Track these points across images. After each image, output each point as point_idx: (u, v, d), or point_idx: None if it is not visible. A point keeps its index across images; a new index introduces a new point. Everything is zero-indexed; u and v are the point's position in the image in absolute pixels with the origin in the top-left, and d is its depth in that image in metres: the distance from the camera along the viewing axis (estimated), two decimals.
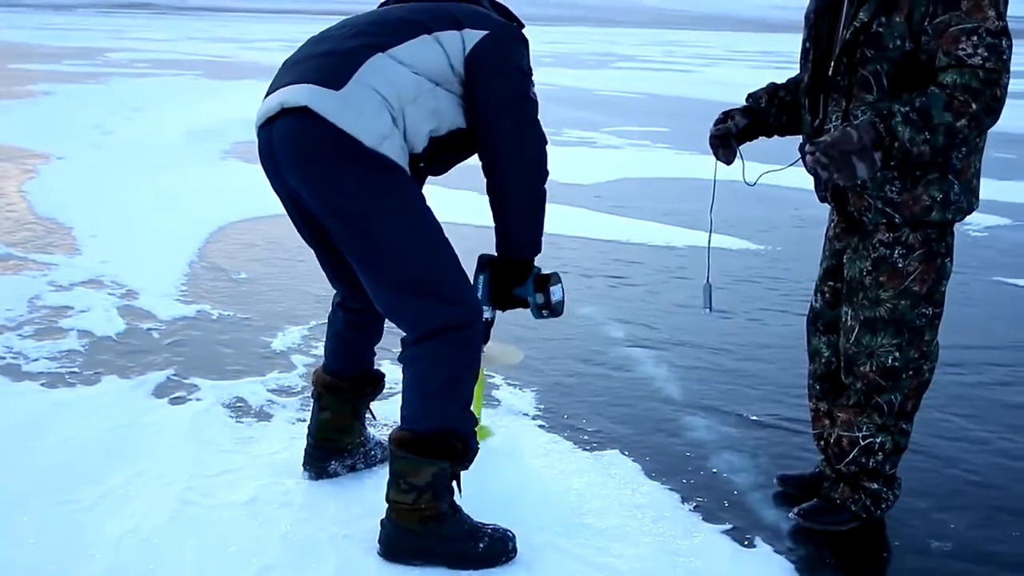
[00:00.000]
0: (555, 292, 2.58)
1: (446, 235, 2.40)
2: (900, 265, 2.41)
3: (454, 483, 2.43)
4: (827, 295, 2.66)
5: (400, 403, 2.43)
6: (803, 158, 2.38)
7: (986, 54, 2.13)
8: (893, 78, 2.29)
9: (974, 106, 2.13)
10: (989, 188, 9.28)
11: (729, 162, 2.67)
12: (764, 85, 2.77)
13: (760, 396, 3.73)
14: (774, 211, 7.36)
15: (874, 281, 2.44)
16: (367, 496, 2.70)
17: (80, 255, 5.49)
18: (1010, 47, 2.16)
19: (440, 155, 2.47)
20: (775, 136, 2.78)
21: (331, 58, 2.36)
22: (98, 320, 4.32)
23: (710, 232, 2.87)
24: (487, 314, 2.55)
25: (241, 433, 3.18)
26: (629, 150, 11.08)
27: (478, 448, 2.45)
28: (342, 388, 2.79)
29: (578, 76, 23.39)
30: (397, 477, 2.38)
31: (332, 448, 2.83)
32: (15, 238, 5.89)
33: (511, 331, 4.34)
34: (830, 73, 2.42)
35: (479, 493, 2.50)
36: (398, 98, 2.31)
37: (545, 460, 3.04)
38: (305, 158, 2.30)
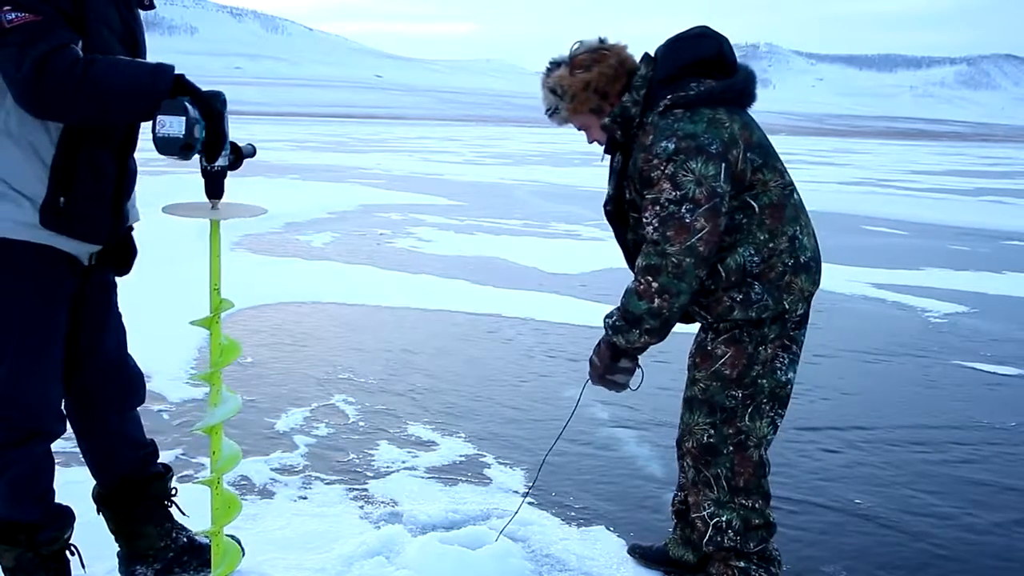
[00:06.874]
0: (163, 123, 1.96)
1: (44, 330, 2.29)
2: (709, 348, 2.42)
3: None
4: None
5: None
6: None
7: (657, 224, 2.23)
8: None
9: (655, 284, 2.24)
10: (946, 278, 9.33)
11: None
12: None
13: None
14: None
15: (693, 363, 2.48)
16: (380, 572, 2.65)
17: None
18: (695, 209, 2.19)
19: (84, 168, 2.20)
20: None
21: None
22: None
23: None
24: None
25: (246, 510, 3.13)
26: (612, 242, 11.18)
27: (56, 537, 2.42)
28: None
29: (564, 173, 23.69)
30: None
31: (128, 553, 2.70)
32: None
33: (503, 412, 4.34)
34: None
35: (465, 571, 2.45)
36: None
37: (534, 534, 3.02)
38: None
